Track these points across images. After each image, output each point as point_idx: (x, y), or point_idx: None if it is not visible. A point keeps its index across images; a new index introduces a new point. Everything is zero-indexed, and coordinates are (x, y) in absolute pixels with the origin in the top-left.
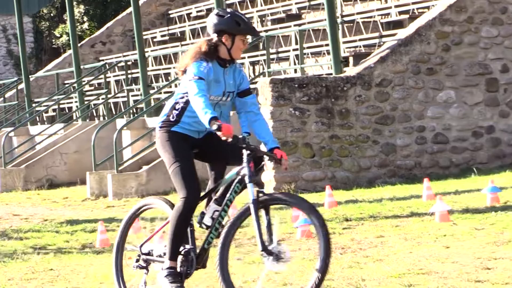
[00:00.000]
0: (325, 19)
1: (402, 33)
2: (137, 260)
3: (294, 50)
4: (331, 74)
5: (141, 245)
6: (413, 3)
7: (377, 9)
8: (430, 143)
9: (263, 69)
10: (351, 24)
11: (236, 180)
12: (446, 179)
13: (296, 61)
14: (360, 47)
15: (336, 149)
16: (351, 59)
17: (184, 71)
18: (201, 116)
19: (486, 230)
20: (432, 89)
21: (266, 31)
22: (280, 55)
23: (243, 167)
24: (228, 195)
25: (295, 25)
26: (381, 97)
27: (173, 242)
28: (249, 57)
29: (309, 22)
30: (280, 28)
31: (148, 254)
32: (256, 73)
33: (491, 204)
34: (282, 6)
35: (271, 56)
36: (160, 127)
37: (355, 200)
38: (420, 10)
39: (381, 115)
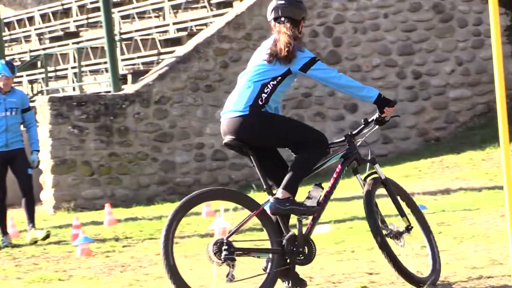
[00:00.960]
0: (103, 37)
1: (181, 50)
2: (226, 251)
3: (72, 68)
4: (109, 92)
5: (228, 236)
6: (191, 20)
7: (155, 27)
8: (209, 160)
9: (42, 87)
10: (130, 42)
11: (343, 163)
12: None
13: (75, 79)
14: (139, 64)
15: (115, 166)
16: (129, 77)
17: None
18: (364, 91)
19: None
20: (211, 106)
21: (44, 49)
22: (59, 73)
23: (355, 151)
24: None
25: (73, 43)
26: (160, 114)
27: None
28: (27, 75)
29: (87, 40)
30: (59, 46)
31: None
32: (35, 92)
33: None
34: (60, 24)
35: (50, 75)
36: (251, 111)
37: (135, 217)
38: (198, 27)
39: (160, 133)
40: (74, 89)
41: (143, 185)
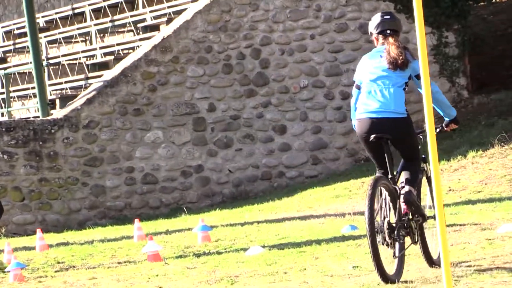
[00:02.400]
0: (31, 62)
1: (108, 74)
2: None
3: (0, 93)
4: (38, 117)
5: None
6: (118, 44)
7: (82, 51)
8: (139, 183)
9: None
10: (57, 67)
11: None
12: (156, 219)
13: (3, 105)
14: (67, 89)
15: (45, 192)
16: (58, 102)
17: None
18: (452, 109)
19: (198, 269)
20: (140, 129)
21: None
22: None
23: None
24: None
25: (0, 69)
26: (89, 138)
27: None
28: None
29: (14, 65)
30: None
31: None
32: None
33: (203, 243)
34: None
35: None
36: (407, 114)
37: (66, 242)
38: (125, 51)
39: (89, 157)
40: (2, 114)
41: (74, 210)
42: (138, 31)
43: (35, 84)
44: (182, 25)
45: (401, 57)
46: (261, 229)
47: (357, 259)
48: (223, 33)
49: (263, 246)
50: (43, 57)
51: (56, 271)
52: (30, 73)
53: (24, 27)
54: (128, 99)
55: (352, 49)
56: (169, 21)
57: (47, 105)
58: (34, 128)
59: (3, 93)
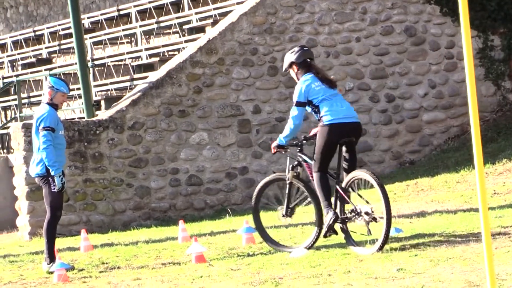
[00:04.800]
0: (76, 63)
1: (153, 76)
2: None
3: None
4: (83, 118)
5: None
6: (163, 46)
7: (128, 52)
8: (184, 185)
9: (15, 114)
10: (102, 68)
11: None
12: (201, 220)
13: None
14: (112, 90)
15: (90, 192)
16: (103, 103)
17: None
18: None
19: (243, 271)
20: (185, 131)
21: (17, 75)
22: (32, 99)
23: None
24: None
25: (45, 69)
26: (134, 140)
27: None
28: (0, 102)
29: (59, 66)
30: (31, 72)
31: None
32: (8, 118)
33: (247, 244)
34: (33, 50)
35: (23, 101)
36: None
37: (111, 243)
38: (170, 53)
39: (134, 158)
40: None
41: (119, 211)
42: (184, 32)
43: (80, 85)
44: (227, 27)
45: None
46: (305, 231)
47: (402, 262)
48: (269, 35)
49: (308, 248)
50: (89, 58)
51: (100, 272)
52: (75, 74)
53: (69, 28)
54: (173, 101)
55: (397, 52)
56: (214, 22)
57: (92, 106)
58: (79, 129)
59: None
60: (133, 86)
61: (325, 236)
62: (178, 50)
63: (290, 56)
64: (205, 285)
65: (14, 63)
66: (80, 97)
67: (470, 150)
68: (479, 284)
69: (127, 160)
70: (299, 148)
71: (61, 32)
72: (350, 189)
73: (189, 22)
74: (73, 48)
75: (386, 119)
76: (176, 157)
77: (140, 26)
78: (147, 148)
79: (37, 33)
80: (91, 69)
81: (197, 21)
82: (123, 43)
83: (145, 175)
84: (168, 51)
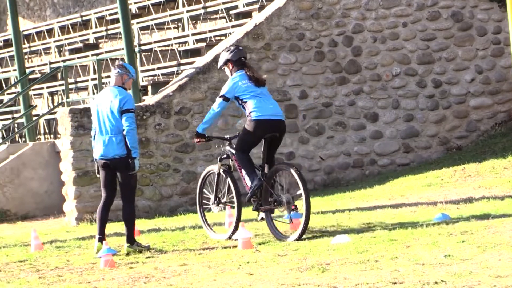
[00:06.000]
0: (123, 48)
1: (200, 61)
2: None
3: (92, 79)
4: None
5: None
6: (210, 31)
7: (174, 38)
8: None
9: (62, 99)
10: (149, 53)
11: None
12: (248, 206)
13: (95, 91)
14: (159, 75)
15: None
16: (150, 88)
17: None
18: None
19: (289, 256)
20: (231, 116)
21: (64, 61)
22: (79, 85)
23: None
24: None
25: (92, 55)
26: (181, 125)
27: None
28: (47, 87)
29: (106, 52)
30: (78, 58)
31: None
32: (55, 103)
33: (291, 230)
34: (80, 36)
35: (70, 86)
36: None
37: (157, 228)
38: (217, 38)
39: (181, 143)
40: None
41: (166, 196)
42: (231, 18)
43: None
44: (274, 12)
45: None
46: (352, 217)
47: (449, 248)
48: (315, 21)
49: (354, 234)
50: (135, 43)
51: (147, 257)
52: (122, 59)
53: (116, 13)
54: (220, 86)
55: (444, 37)
56: (261, 8)
57: (139, 91)
58: None
59: (95, 79)
60: (180, 71)
61: (248, 200)
62: (225, 35)
63: (226, 55)
64: (252, 271)
65: (61, 49)
66: None
67: None
68: None
69: (174, 145)
70: (228, 142)
71: (108, 18)
72: (273, 180)
73: (236, 7)
74: (120, 33)
75: (433, 104)
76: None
77: (187, 11)
78: (193, 133)
79: (84, 18)
80: (138, 54)
81: (244, 6)
82: (170, 28)
83: (191, 160)
84: (214, 36)
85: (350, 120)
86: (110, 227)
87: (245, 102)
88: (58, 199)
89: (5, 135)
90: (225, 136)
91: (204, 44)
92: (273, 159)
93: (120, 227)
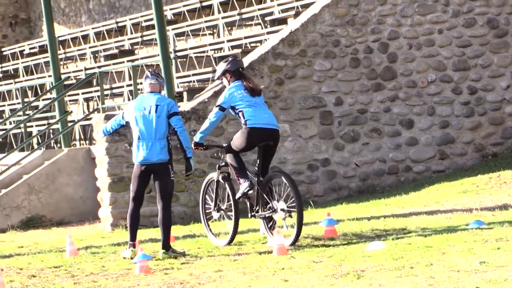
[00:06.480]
0: (158, 54)
1: None
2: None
3: (127, 85)
4: None
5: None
6: (245, 38)
7: (210, 44)
8: None
9: (97, 105)
10: (184, 59)
11: None
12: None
13: (130, 97)
14: (194, 82)
15: None
16: (185, 94)
17: None
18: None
19: (324, 263)
20: None
21: (99, 67)
22: (114, 91)
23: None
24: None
25: (128, 61)
26: (216, 131)
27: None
28: (83, 93)
29: (142, 58)
30: (113, 64)
31: None
32: (91, 109)
33: (329, 237)
34: (115, 42)
35: (105, 92)
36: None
37: (192, 235)
38: (252, 45)
39: (216, 149)
40: None
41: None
42: (266, 24)
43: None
44: (309, 18)
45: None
46: (387, 223)
47: (484, 255)
48: (351, 27)
49: (390, 241)
50: (171, 49)
51: (182, 263)
52: (157, 65)
53: (151, 19)
54: None
55: (480, 44)
56: (296, 14)
57: (175, 97)
58: None
59: (130, 85)
60: (215, 77)
61: (238, 199)
62: (260, 41)
63: (224, 65)
64: (287, 277)
65: (96, 55)
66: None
67: None
68: None
69: (208, 152)
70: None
71: (144, 24)
72: (268, 188)
73: (271, 13)
74: (156, 39)
75: (469, 111)
76: None
77: (222, 17)
78: (229, 139)
79: (120, 24)
80: (173, 60)
81: (279, 13)
82: (205, 34)
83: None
84: (250, 43)
85: (385, 127)
86: (145, 233)
87: (241, 111)
88: (93, 205)
89: (40, 141)
90: (223, 144)
91: (239, 50)
92: (267, 169)
93: (155, 233)
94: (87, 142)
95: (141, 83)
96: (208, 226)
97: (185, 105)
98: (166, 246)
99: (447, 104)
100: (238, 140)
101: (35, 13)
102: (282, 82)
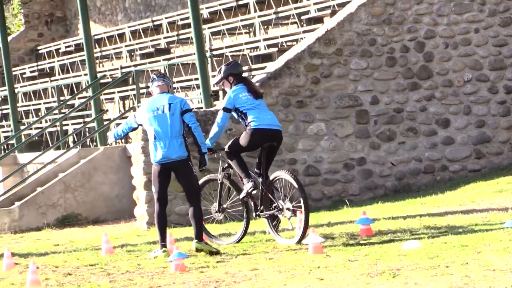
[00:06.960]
0: (194, 53)
1: (271, 66)
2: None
3: None
4: (201, 108)
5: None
6: (282, 36)
7: (246, 43)
8: (301, 175)
9: (133, 103)
10: (220, 58)
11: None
12: (318, 211)
13: None
14: None
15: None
16: (221, 93)
17: None
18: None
19: (360, 262)
20: (302, 121)
21: (135, 65)
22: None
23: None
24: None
25: (164, 60)
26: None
27: None
28: (119, 92)
29: (178, 56)
30: (149, 62)
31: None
32: (126, 108)
33: (365, 236)
34: (151, 40)
35: (141, 91)
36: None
37: (228, 233)
38: (288, 43)
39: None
40: None
41: (236, 202)
42: (302, 23)
43: (198, 75)
44: (346, 17)
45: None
46: (423, 222)
47: None
48: (387, 26)
49: (426, 240)
50: (207, 48)
51: (217, 262)
52: (193, 64)
53: (188, 18)
54: (291, 91)
55: None
56: (333, 13)
57: (211, 96)
58: (197, 118)
59: None
60: (251, 76)
61: (242, 199)
62: (296, 40)
63: (227, 68)
64: (323, 276)
65: (132, 53)
66: (198, 87)
67: None
68: None
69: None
70: None
71: (180, 22)
72: (273, 188)
73: (307, 12)
74: (192, 38)
75: (505, 110)
76: (294, 148)
77: (259, 16)
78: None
79: (156, 23)
80: (209, 59)
81: (315, 12)
82: (241, 33)
83: None
84: (286, 42)
85: (421, 126)
86: (181, 232)
87: (244, 113)
88: (129, 204)
89: (76, 139)
90: (224, 147)
91: (275, 49)
92: (267, 168)
93: (190, 231)
94: (122, 140)
95: (176, 82)
96: (205, 228)
97: (221, 104)
98: (199, 237)
99: (483, 103)
100: (242, 140)
101: (71, 11)
102: (318, 81)
